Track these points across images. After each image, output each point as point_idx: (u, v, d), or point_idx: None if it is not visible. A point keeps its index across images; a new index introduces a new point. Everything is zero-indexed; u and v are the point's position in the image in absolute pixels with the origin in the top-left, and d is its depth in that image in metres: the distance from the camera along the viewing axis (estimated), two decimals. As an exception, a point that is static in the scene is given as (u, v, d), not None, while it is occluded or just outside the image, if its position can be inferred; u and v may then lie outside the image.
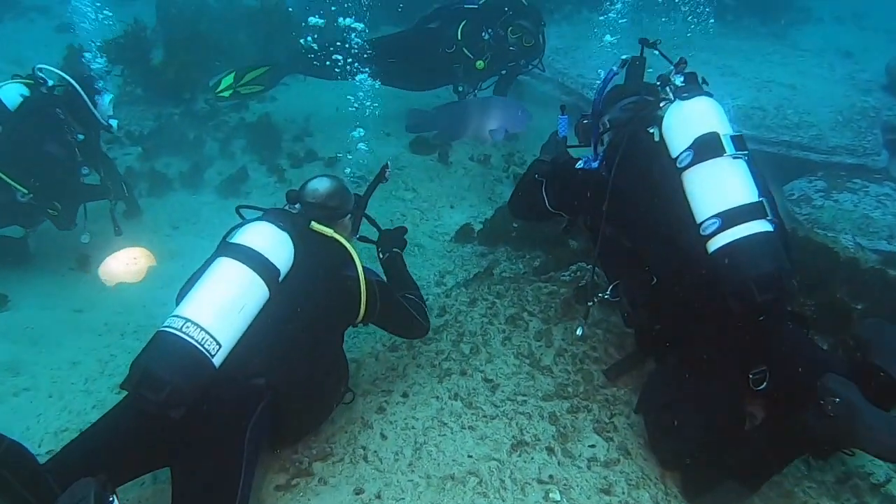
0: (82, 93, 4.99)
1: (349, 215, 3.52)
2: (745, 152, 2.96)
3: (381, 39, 7.24)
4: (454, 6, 7.25)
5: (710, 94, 3.18)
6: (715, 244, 2.85)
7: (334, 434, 3.55)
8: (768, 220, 2.83)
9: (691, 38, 9.61)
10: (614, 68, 3.76)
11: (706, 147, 2.93)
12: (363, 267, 3.21)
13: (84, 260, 5.34)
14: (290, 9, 9.36)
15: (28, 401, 4.07)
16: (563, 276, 4.65)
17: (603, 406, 3.63)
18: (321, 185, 3.42)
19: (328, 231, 3.20)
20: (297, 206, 3.27)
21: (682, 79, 3.25)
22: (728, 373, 3.01)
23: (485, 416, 3.59)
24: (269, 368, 2.94)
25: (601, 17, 7.91)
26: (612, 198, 3.18)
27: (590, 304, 3.48)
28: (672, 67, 3.38)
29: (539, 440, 3.46)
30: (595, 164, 3.49)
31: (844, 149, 7.35)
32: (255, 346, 2.87)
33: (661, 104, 3.24)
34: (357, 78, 6.75)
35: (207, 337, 2.69)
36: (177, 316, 2.74)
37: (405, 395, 3.76)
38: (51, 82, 4.97)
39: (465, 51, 6.83)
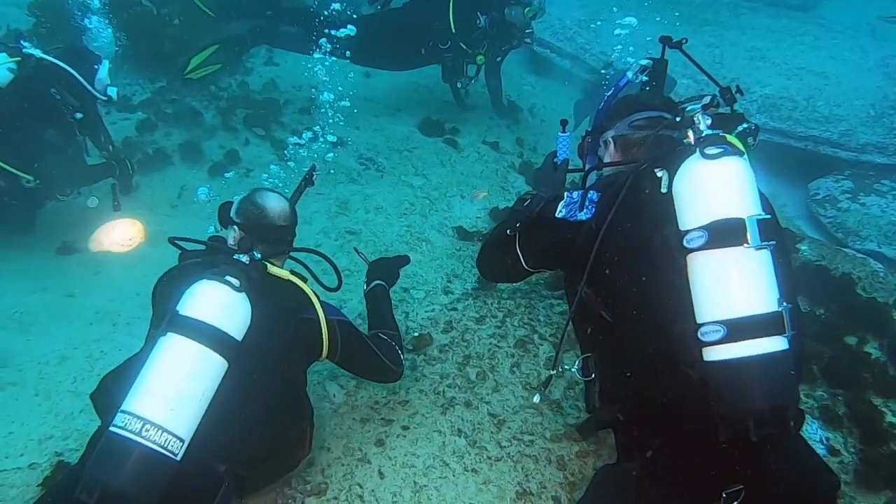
0: (75, 73, 4.67)
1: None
2: (772, 242, 2.28)
3: (363, 19, 6.83)
4: None
5: (741, 153, 2.38)
6: (713, 355, 2.24)
7: (330, 466, 3.38)
8: (785, 337, 2.21)
9: (720, 13, 9.26)
10: (629, 74, 3.11)
11: (724, 234, 2.26)
12: (323, 305, 2.94)
13: (68, 247, 5.12)
14: None
15: (13, 398, 3.92)
16: (578, 293, 4.42)
17: (613, 451, 3.42)
18: (271, 206, 2.95)
19: (283, 273, 2.90)
20: (251, 253, 2.83)
21: (709, 121, 2.46)
22: (698, 488, 2.49)
23: (489, 458, 3.41)
24: (230, 446, 2.67)
25: None
26: (597, 259, 2.54)
27: (552, 373, 2.91)
28: (710, 95, 2.57)
29: (545, 488, 3.29)
30: (582, 216, 2.70)
31: (875, 147, 7.07)
32: (214, 421, 2.56)
33: (678, 147, 2.50)
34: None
35: (170, 437, 2.36)
36: (130, 414, 2.37)
37: (406, 427, 3.57)
38: (38, 54, 4.65)
39: (463, 45, 6.36)
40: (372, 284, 3.65)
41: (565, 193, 2.79)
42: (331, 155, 6.04)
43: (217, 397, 2.54)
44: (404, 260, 3.90)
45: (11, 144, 4.57)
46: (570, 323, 2.78)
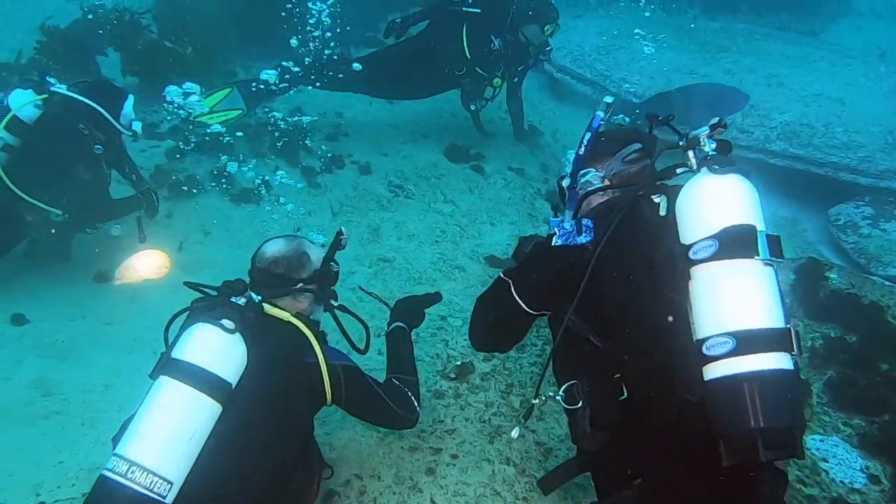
0: (101, 109, 4.69)
1: (302, 285, 2.99)
2: (780, 259, 2.22)
3: (373, 56, 6.91)
4: (445, 7, 6.57)
5: (746, 174, 2.36)
6: (717, 371, 2.12)
7: (382, 494, 3.43)
8: (792, 356, 2.13)
9: (735, 39, 9.39)
10: (599, 114, 2.96)
11: (736, 242, 2.18)
12: (325, 350, 2.83)
13: (104, 275, 5.18)
14: None
15: (60, 427, 3.96)
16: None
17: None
18: (270, 249, 2.98)
19: (284, 315, 2.82)
20: (248, 295, 2.81)
21: (713, 145, 2.40)
22: None
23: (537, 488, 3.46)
24: (227, 489, 2.63)
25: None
26: (591, 281, 2.43)
27: (535, 401, 2.76)
28: (706, 128, 2.45)
29: (595, 517, 3.33)
30: (582, 239, 2.60)
31: (894, 173, 7.16)
32: (210, 463, 2.56)
33: (679, 171, 2.50)
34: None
35: (156, 480, 2.37)
36: (120, 457, 2.42)
37: (455, 455, 3.62)
38: (64, 90, 4.68)
39: (479, 69, 6.45)
40: (392, 326, 3.48)
41: (557, 227, 2.75)
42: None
43: (213, 441, 2.54)
44: (434, 298, 3.64)
45: (40, 180, 4.61)
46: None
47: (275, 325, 2.80)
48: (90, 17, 7.62)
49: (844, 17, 13.60)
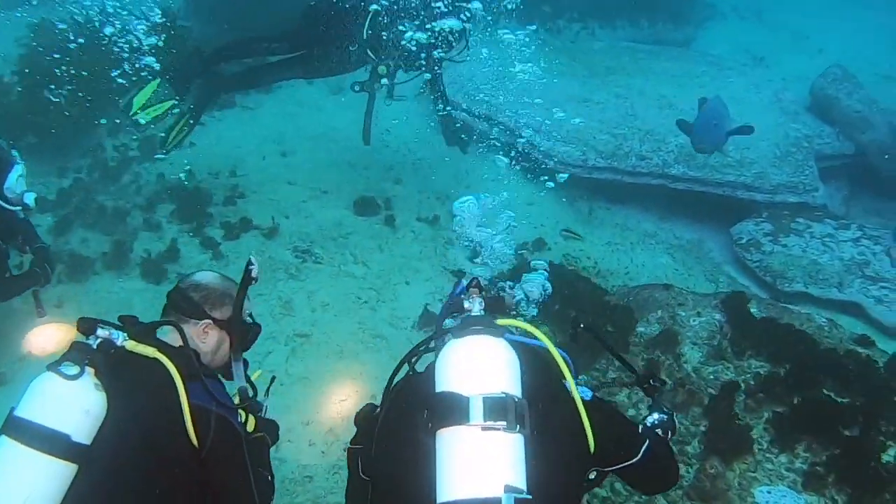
0: None
1: (211, 322, 2.62)
2: (504, 423, 2.06)
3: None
4: None
5: (502, 333, 2.27)
6: None
7: None
8: None
9: (620, 59, 9.56)
10: (464, 282, 2.84)
11: (443, 410, 2.12)
12: (190, 388, 2.38)
13: (2, 377, 4.76)
14: None
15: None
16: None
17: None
18: (200, 274, 2.69)
19: (148, 350, 2.40)
20: (101, 332, 2.38)
21: (481, 304, 2.39)
22: None
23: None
24: None
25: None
26: (376, 447, 2.39)
27: None
28: (474, 278, 2.52)
29: None
30: None
31: (786, 187, 7.46)
32: None
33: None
34: None
35: None
36: None
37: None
38: None
39: (370, 53, 6.01)
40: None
41: None
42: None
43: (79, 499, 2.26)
44: (274, 427, 2.98)
45: None
46: None
47: (139, 363, 2.41)
48: None
49: (710, 20, 14.12)
